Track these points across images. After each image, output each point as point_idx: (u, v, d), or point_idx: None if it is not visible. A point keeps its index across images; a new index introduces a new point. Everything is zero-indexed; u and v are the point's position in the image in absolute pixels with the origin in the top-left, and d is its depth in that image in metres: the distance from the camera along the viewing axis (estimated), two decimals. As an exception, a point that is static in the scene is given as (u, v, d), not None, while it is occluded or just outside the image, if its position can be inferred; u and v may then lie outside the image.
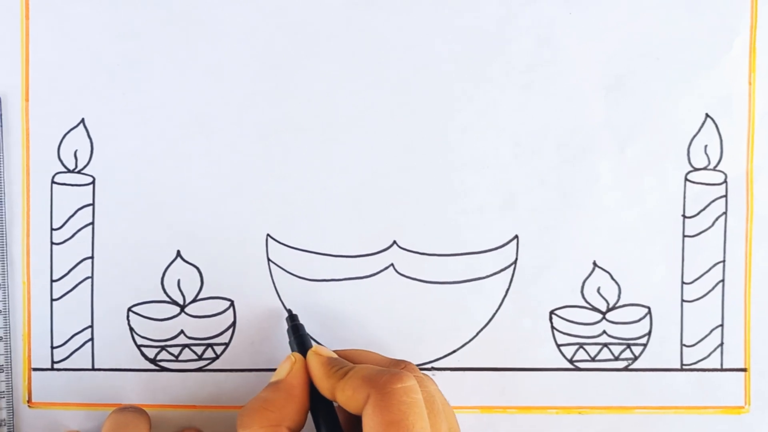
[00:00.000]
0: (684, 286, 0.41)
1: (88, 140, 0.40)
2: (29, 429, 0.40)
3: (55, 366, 0.40)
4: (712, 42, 0.40)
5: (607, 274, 0.40)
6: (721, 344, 0.41)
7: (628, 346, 0.41)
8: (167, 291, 0.40)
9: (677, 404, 0.41)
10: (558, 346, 0.41)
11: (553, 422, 0.41)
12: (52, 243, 0.40)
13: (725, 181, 0.40)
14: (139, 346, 0.40)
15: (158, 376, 0.40)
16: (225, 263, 0.40)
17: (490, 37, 0.40)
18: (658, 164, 0.40)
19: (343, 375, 0.34)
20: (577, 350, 0.41)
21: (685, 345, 0.41)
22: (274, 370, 0.39)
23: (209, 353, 0.40)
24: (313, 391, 0.35)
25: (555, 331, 0.41)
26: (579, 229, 0.40)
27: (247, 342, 0.40)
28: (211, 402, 0.40)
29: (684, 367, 0.41)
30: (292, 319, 0.39)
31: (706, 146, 0.40)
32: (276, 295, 0.40)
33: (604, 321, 0.41)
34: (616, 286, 0.40)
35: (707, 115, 0.40)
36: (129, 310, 0.40)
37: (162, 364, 0.40)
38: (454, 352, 0.41)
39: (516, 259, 0.40)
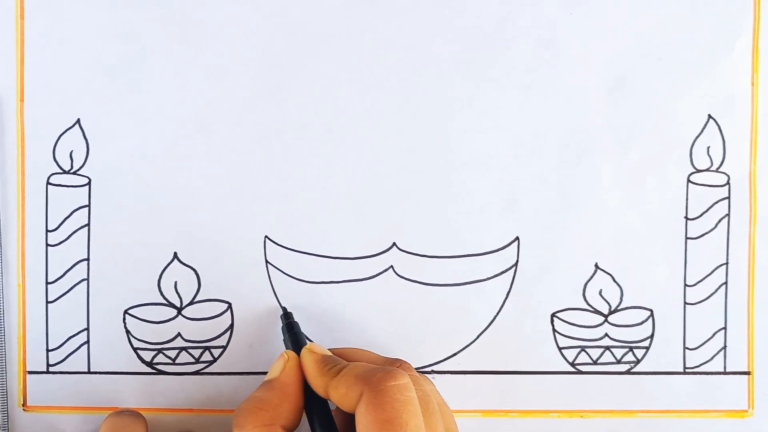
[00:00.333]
0: (687, 288, 0.40)
1: (83, 141, 0.40)
2: (24, 433, 0.40)
3: (51, 369, 0.40)
4: (714, 42, 0.40)
5: (609, 277, 0.40)
6: (725, 347, 0.40)
7: (631, 349, 0.40)
8: (164, 293, 0.40)
9: (680, 408, 0.40)
10: (559, 348, 0.40)
11: (554, 426, 0.40)
12: (47, 245, 0.40)
13: (728, 183, 0.40)
14: (135, 349, 0.40)
15: (155, 379, 0.40)
16: (222, 265, 0.40)
17: (490, 37, 0.40)
18: (661, 165, 0.40)
19: (336, 373, 0.33)
20: (578, 353, 0.40)
21: (688, 348, 0.40)
22: (272, 373, 0.39)
23: (207, 356, 0.40)
24: (307, 389, 0.35)
25: (556, 334, 0.40)
26: (581, 231, 0.40)
27: (245, 345, 0.40)
28: (208, 405, 0.40)
29: (687, 370, 0.40)
30: (287, 317, 0.39)
31: (708, 148, 0.40)
32: (274, 298, 0.40)
33: (606, 324, 0.40)
34: (618, 289, 0.40)
35: (710, 116, 0.40)
36: (125, 312, 0.40)
37: (159, 367, 0.40)
38: (455, 355, 0.40)
39: (517, 261, 0.40)
